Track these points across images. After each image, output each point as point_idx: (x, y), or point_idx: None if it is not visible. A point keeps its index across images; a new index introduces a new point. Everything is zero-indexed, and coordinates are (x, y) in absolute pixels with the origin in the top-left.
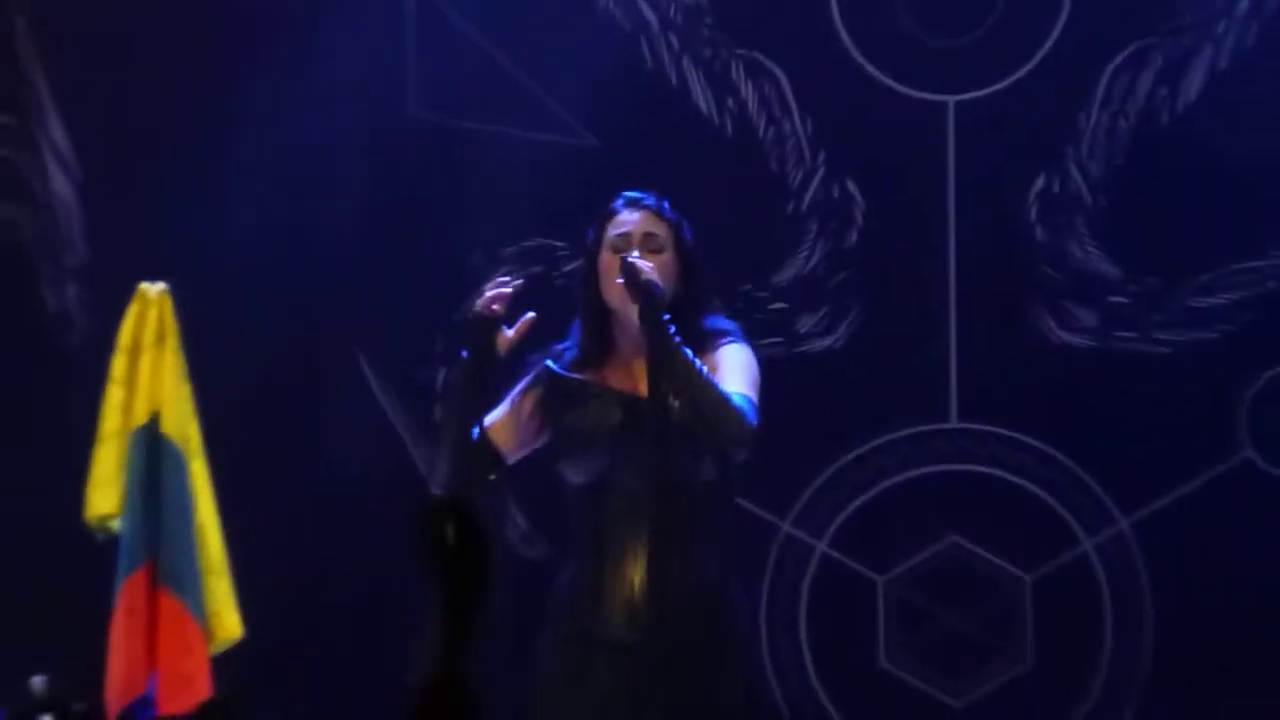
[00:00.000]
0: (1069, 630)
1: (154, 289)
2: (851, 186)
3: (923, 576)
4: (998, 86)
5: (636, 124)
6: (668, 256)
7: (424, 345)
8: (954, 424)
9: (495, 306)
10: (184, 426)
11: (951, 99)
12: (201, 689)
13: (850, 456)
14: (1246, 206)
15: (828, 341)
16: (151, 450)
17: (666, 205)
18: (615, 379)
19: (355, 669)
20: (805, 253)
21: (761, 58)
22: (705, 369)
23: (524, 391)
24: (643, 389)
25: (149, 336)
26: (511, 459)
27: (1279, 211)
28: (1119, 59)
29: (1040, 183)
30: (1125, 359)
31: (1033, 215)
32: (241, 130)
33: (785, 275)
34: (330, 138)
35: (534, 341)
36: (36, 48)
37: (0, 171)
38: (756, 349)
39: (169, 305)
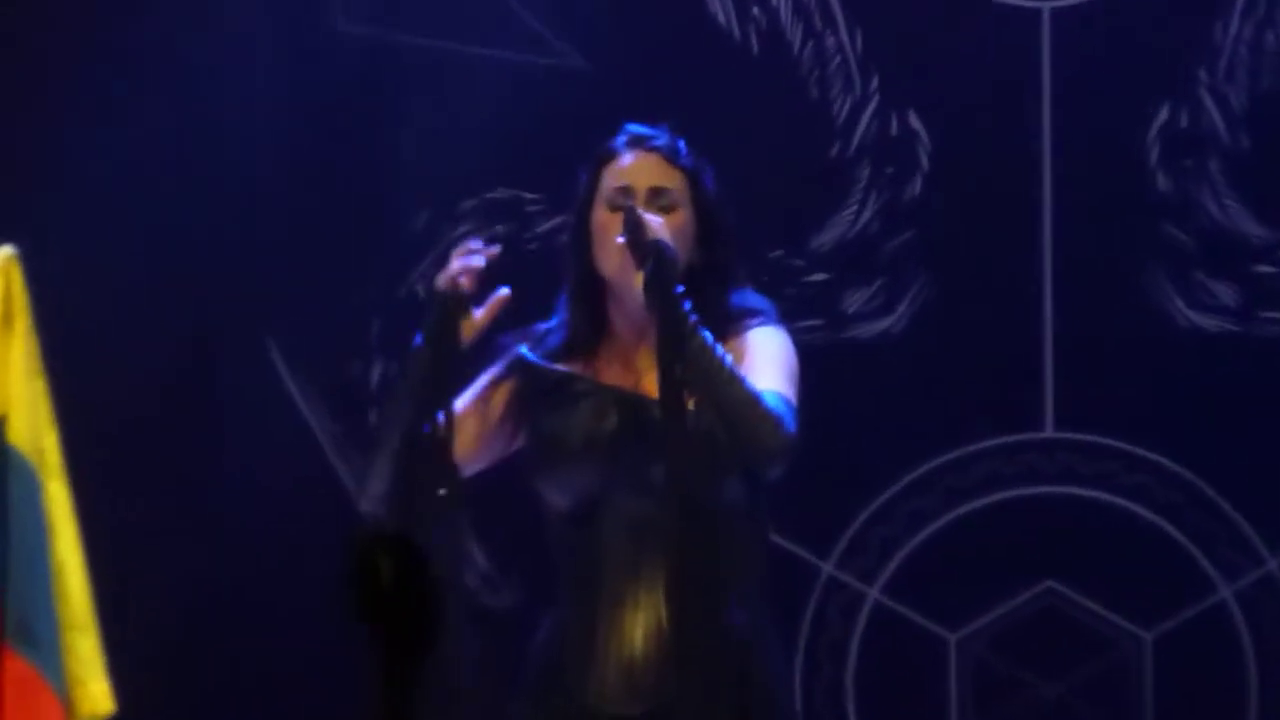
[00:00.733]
0: (1201, 701)
1: None
2: (914, 121)
3: (1009, 633)
4: None
5: (634, 39)
6: (683, 215)
7: (355, 332)
8: (1050, 433)
9: (463, 281)
10: (37, 435)
11: (1047, 5)
12: None
13: (912, 477)
14: None
15: (884, 324)
16: None
17: (683, 146)
18: (610, 372)
19: None
20: (854, 208)
21: None
22: (730, 359)
23: (492, 384)
24: (645, 385)
25: None
26: (469, 470)
27: None
28: None
29: (1163, 116)
30: (1274, 348)
31: (1153, 159)
32: (121, 57)
33: (828, 238)
34: (234, 64)
35: (504, 322)
36: None
37: None
38: (793, 334)
39: (18, 276)
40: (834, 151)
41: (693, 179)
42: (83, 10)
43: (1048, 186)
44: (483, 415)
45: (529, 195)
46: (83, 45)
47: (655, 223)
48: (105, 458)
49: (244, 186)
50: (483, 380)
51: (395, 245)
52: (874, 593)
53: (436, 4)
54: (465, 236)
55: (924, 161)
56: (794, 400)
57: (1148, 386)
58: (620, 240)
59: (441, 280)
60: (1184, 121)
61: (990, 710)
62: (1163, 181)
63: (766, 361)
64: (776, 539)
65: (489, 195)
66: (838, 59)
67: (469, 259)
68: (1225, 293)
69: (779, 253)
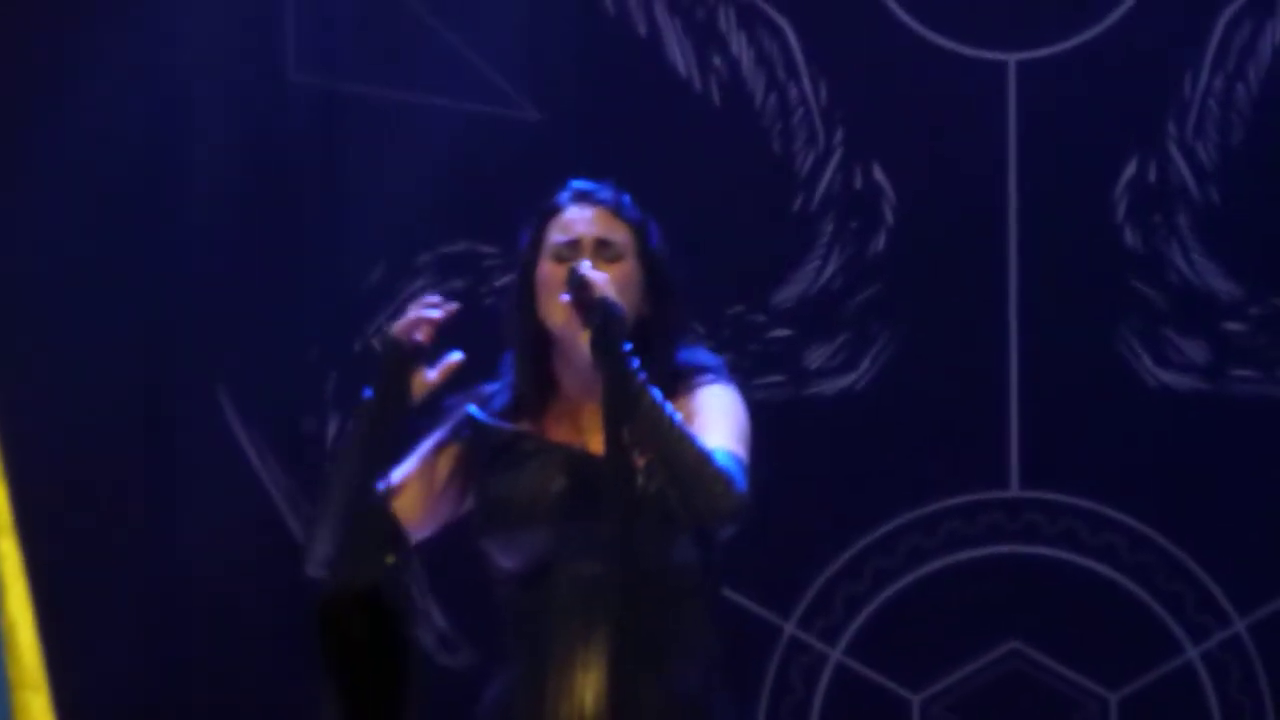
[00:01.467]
0: None
1: None
2: (879, 174)
3: (973, 695)
4: (1075, 40)
5: (591, 90)
6: (628, 267)
7: (310, 386)
8: (1015, 492)
9: (419, 335)
10: None
11: (1013, 57)
12: None
13: (875, 536)
14: None
15: (847, 381)
16: None
17: (627, 200)
18: (559, 430)
19: None
20: (817, 263)
21: (760, 2)
22: (680, 418)
23: (438, 448)
24: (594, 443)
25: None
26: (418, 535)
27: None
28: (1237, 3)
29: (1131, 170)
30: (1245, 407)
31: (1121, 213)
32: (69, 108)
33: (790, 293)
34: (186, 114)
35: (455, 382)
36: None
37: None
38: (750, 391)
39: None
40: (797, 205)
41: (638, 232)
42: (29, 59)
43: (1013, 241)
44: (429, 480)
45: (486, 249)
46: (28, 95)
47: (601, 279)
48: (56, 513)
49: (196, 237)
50: (428, 444)
51: (350, 299)
52: (836, 653)
53: (390, 54)
54: (421, 290)
55: (888, 215)
56: (745, 458)
57: (1115, 445)
58: (564, 299)
59: (396, 329)
60: (1152, 175)
61: None
62: (1130, 237)
63: (716, 419)
64: (737, 598)
65: (445, 249)
66: (801, 111)
67: (426, 311)
68: (1194, 350)
69: (740, 308)
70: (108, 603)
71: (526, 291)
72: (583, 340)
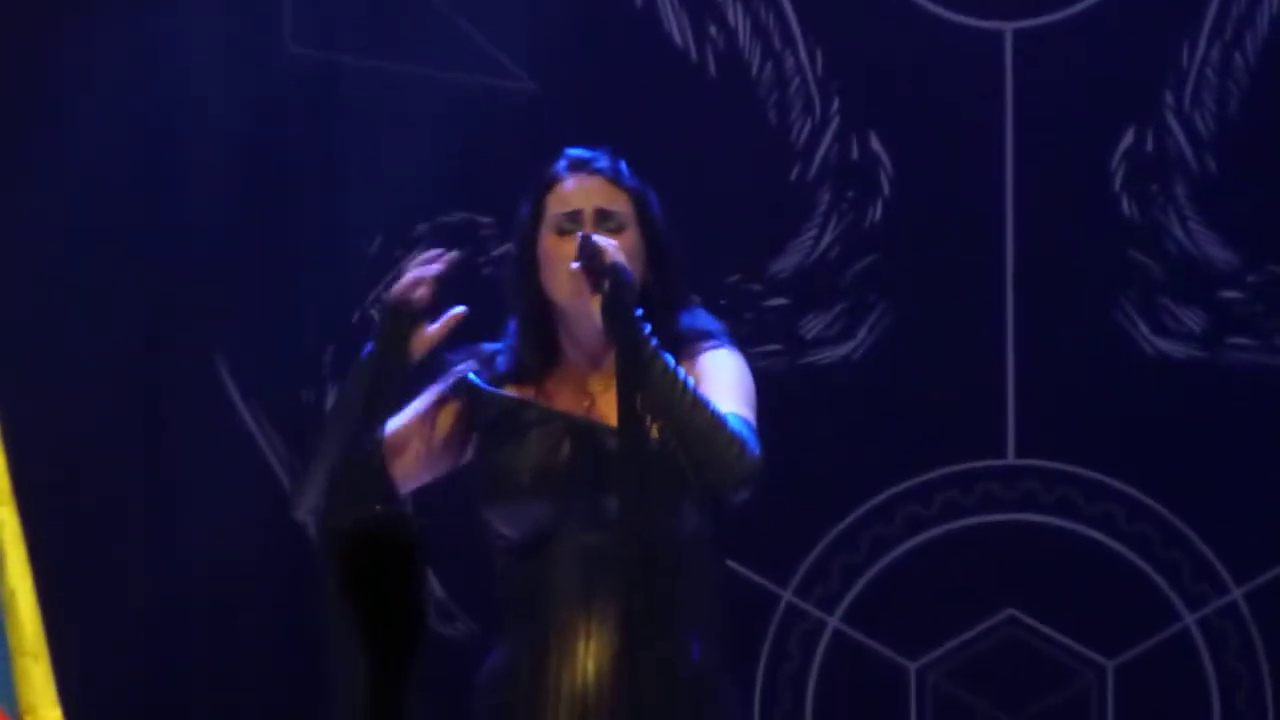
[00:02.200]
0: None
1: None
2: (876, 144)
3: (969, 662)
4: (1072, 10)
5: (588, 61)
6: (630, 236)
7: (308, 357)
8: (1012, 460)
9: (419, 292)
10: None
11: (1010, 26)
12: None
13: (872, 504)
14: None
15: (844, 350)
16: None
17: (625, 168)
18: (561, 398)
19: None
20: (814, 232)
21: None
22: (693, 383)
23: (437, 403)
24: (598, 410)
25: None
26: (409, 486)
27: None
28: None
29: (1128, 139)
30: (1241, 375)
31: (1118, 183)
32: (69, 79)
33: (787, 263)
34: (184, 86)
35: (455, 341)
36: None
37: None
38: (747, 360)
39: None
40: (794, 175)
41: (638, 200)
42: (28, 30)
43: (1010, 210)
44: (425, 434)
45: (483, 219)
46: (28, 65)
47: (610, 246)
48: (55, 482)
49: (194, 208)
50: (427, 398)
51: (348, 270)
52: (833, 621)
53: (388, 26)
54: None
55: (885, 185)
56: (754, 422)
57: (1112, 413)
58: (574, 266)
59: (394, 291)
60: (1149, 145)
61: None
62: (1128, 206)
63: (724, 384)
64: (735, 566)
65: (442, 219)
66: (797, 81)
67: (425, 268)
68: (1191, 319)
69: (737, 277)
70: (107, 573)
71: (528, 263)
72: (593, 307)
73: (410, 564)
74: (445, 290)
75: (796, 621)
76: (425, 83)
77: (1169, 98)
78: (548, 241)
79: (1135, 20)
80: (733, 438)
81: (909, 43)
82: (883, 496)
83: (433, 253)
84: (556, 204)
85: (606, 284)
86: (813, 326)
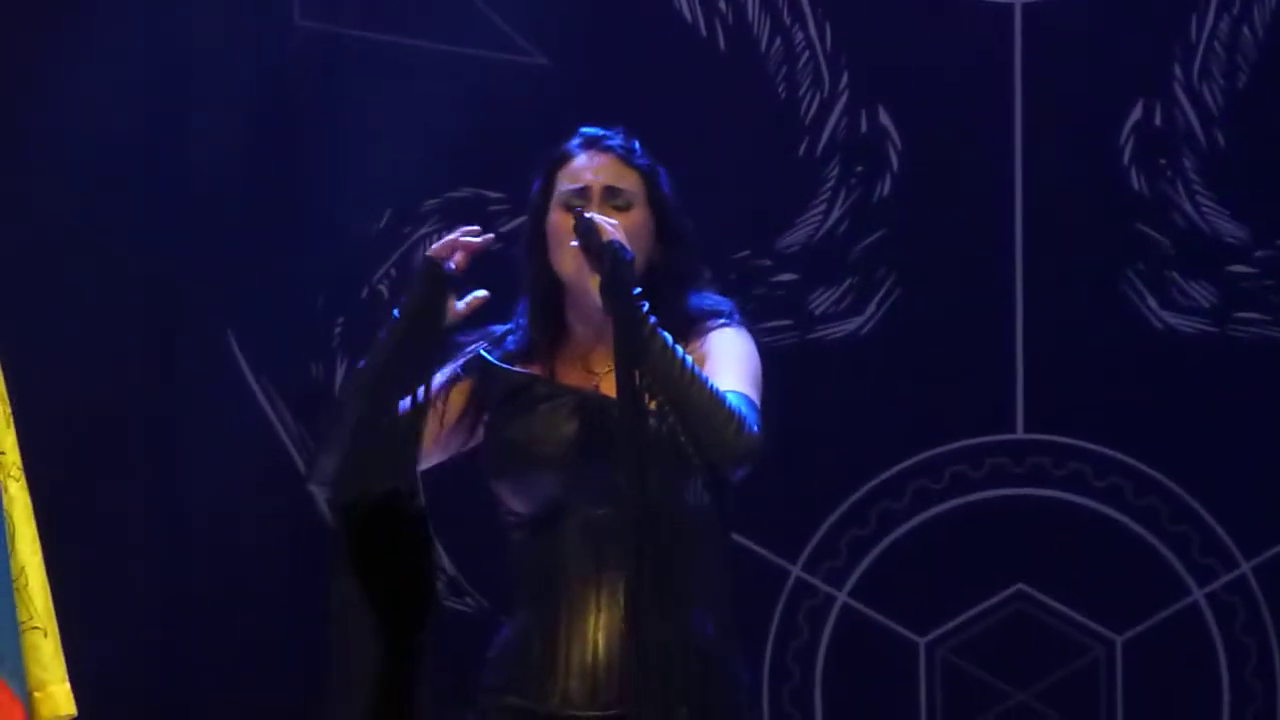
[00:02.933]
0: (1172, 705)
1: None
2: (885, 118)
3: (978, 637)
4: None
5: (598, 36)
6: (639, 214)
7: (318, 332)
8: (1021, 435)
9: (458, 257)
10: None
11: (1019, 0)
12: None
13: (881, 479)
14: None
15: (852, 325)
16: None
17: (637, 146)
18: (570, 374)
19: None
20: (822, 207)
21: None
22: (691, 361)
23: (450, 382)
24: (605, 386)
25: None
26: (421, 465)
27: None
28: None
29: (1137, 114)
30: (1250, 350)
31: (1126, 157)
32: (77, 52)
33: (796, 237)
34: (191, 59)
35: (470, 321)
36: None
37: None
38: (756, 336)
39: None
40: (802, 150)
41: (648, 178)
42: (35, 6)
43: (1019, 185)
44: (439, 412)
45: (491, 194)
46: (38, 38)
47: (609, 224)
48: (65, 457)
49: (203, 183)
50: (440, 376)
51: (357, 245)
52: (842, 596)
53: (396, 0)
54: (429, 236)
55: (894, 160)
56: (758, 401)
57: (1120, 388)
58: (573, 244)
59: (435, 249)
60: (1158, 119)
61: (960, 714)
62: (1136, 180)
63: (729, 363)
64: (744, 541)
65: (451, 194)
66: (806, 55)
67: (465, 237)
68: (1200, 293)
69: (746, 253)
70: (118, 546)
71: (537, 239)
72: (593, 286)
73: (417, 539)
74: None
75: (805, 596)
76: (434, 57)
77: (1177, 71)
78: (555, 218)
79: None
80: (731, 415)
81: (918, 17)
82: (892, 471)
83: (474, 228)
84: (566, 180)
85: (605, 263)
86: (822, 301)
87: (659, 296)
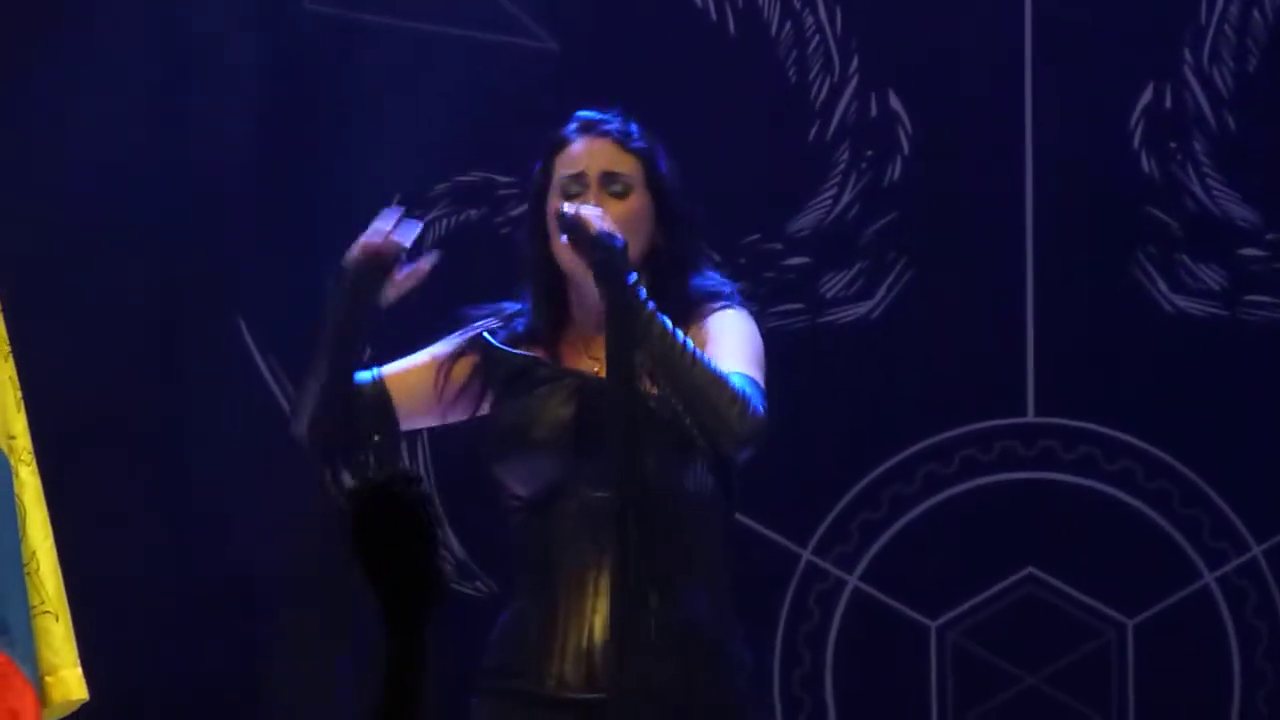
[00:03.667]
0: (1183, 689)
1: None
2: (895, 102)
3: (989, 621)
4: None
5: (608, 20)
6: (636, 200)
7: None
8: (1031, 418)
9: (380, 254)
10: (7, 420)
11: None
12: None
13: (891, 463)
14: None
15: (863, 309)
16: None
17: (634, 129)
18: (573, 357)
19: None
20: (833, 191)
21: None
22: (691, 344)
23: (454, 354)
24: (606, 370)
25: None
26: (412, 424)
27: None
28: None
29: (1147, 96)
30: (1261, 334)
31: (1136, 140)
32: (87, 36)
33: (806, 221)
34: (201, 44)
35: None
36: None
37: None
38: (766, 320)
39: None
40: (812, 134)
41: (646, 161)
42: None
43: (1029, 168)
44: (437, 380)
45: (501, 178)
46: (46, 23)
47: (594, 214)
48: (75, 441)
49: (212, 166)
50: (444, 345)
51: (366, 227)
52: (853, 579)
53: None
54: (438, 220)
55: (904, 143)
56: (761, 381)
57: (1131, 371)
58: (563, 240)
59: (354, 251)
60: (1168, 102)
61: (971, 698)
62: (1147, 163)
63: (730, 345)
64: (750, 523)
65: (460, 179)
66: (816, 39)
67: (388, 235)
68: (1211, 277)
69: (756, 237)
70: (128, 530)
71: (537, 227)
72: (588, 277)
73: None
74: (464, 249)
75: (816, 580)
76: (444, 41)
77: (1187, 55)
78: (555, 204)
79: None
80: (735, 396)
81: (928, 0)
82: (902, 455)
83: (393, 212)
84: (563, 166)
85: (596, 253)
86: (832, 285)
87: (660, 280)
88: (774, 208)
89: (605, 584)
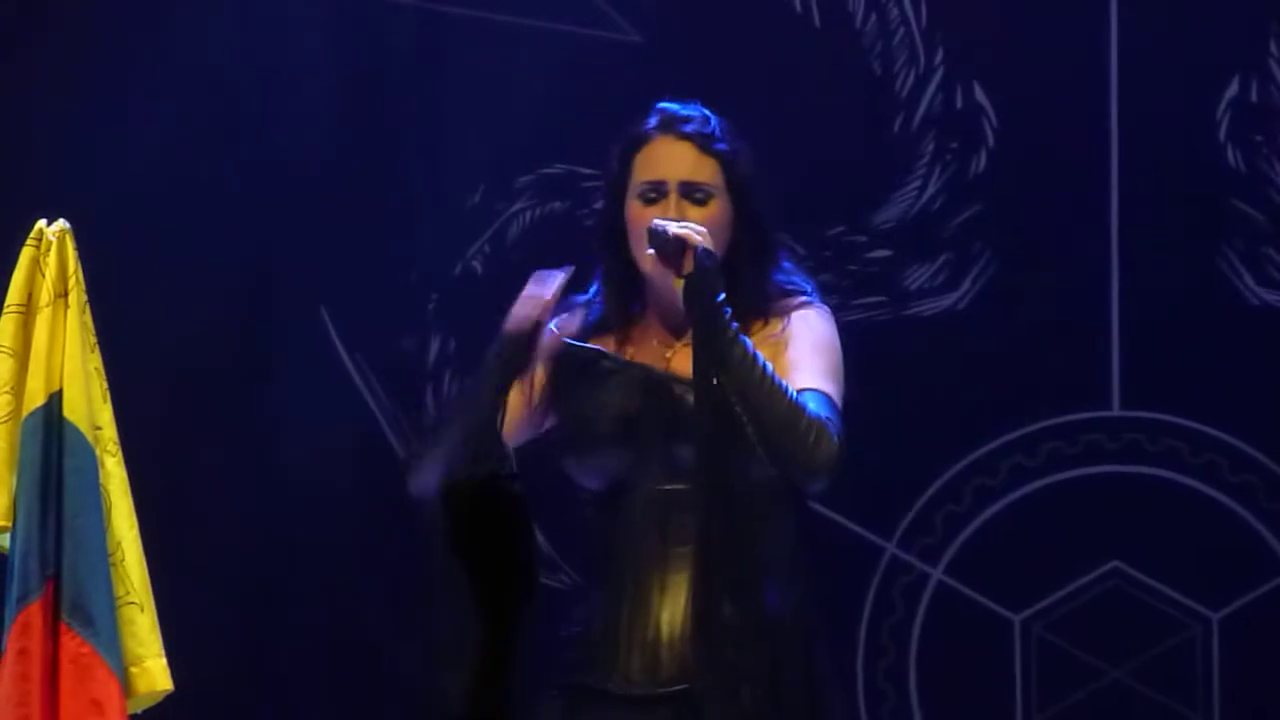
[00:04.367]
0: (1268, 682)
1: (53, 229)
2: (980, 94)
3: (1074, 614)
4: None
5: (692, 12)
6: (717, 206)
7: (411, 305)
8: (1117, 412)
9: (536, 318)
10: (94, 411)
11: None
12: None
13: (976, 455)
14: None
15: (947, 301)
16: (51, 441)
17: (716, 126)
18: (643, 350)
19: None
20: (918, 183)
21: None
22: (772, 369)
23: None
24: (675, 364)
25: (46, 291)
26: (514, 442)
27: None
28: None
29: (1234, 88)
30: None
31: (1223, 133)
32: (173, 30)
33: (891, 213)
34: (282, 31)
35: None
36: None
37: None
38: (851, 312)
39: (73, 250)
40: (897, 126)
41: (728, 165)
42: None
43: (1115, 161)
44: (526, 394)
45: (585, 170)
46: (135, 16)
47: (690, 230)
48: (161, 433)
49: (297, 159)
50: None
51: (451, 220)
52: (937, 573)
53: None
54: (521, 212)
55: (989, 135)
56: (839, 396)
57: (1216, 364)
58: (650, 252)
59: (510, 326)
60: (1254, 95)
61: (1055, 691)
62: (1232, 156)
63: (810, 354)
64: (838, 518)
65: (545, 170)
66: (901, 31)
67: (537, 298)
68: None
69: (840, 229)
70: (213, 522)
71: (615, 224)
72: (676, 287)
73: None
74: (548, 241)
75: (900, 573)
76: (528, 33)
77: (1273, 47)
78: (633, 209)
79: None
80: (811, 424)
81: None
82: (987, 448)
83: (547, 274)
84: (642, 169)
85: (692, 272)
86: (917, 278)
87: (740, 280)
88: (858, 200)
89: (672, 579)
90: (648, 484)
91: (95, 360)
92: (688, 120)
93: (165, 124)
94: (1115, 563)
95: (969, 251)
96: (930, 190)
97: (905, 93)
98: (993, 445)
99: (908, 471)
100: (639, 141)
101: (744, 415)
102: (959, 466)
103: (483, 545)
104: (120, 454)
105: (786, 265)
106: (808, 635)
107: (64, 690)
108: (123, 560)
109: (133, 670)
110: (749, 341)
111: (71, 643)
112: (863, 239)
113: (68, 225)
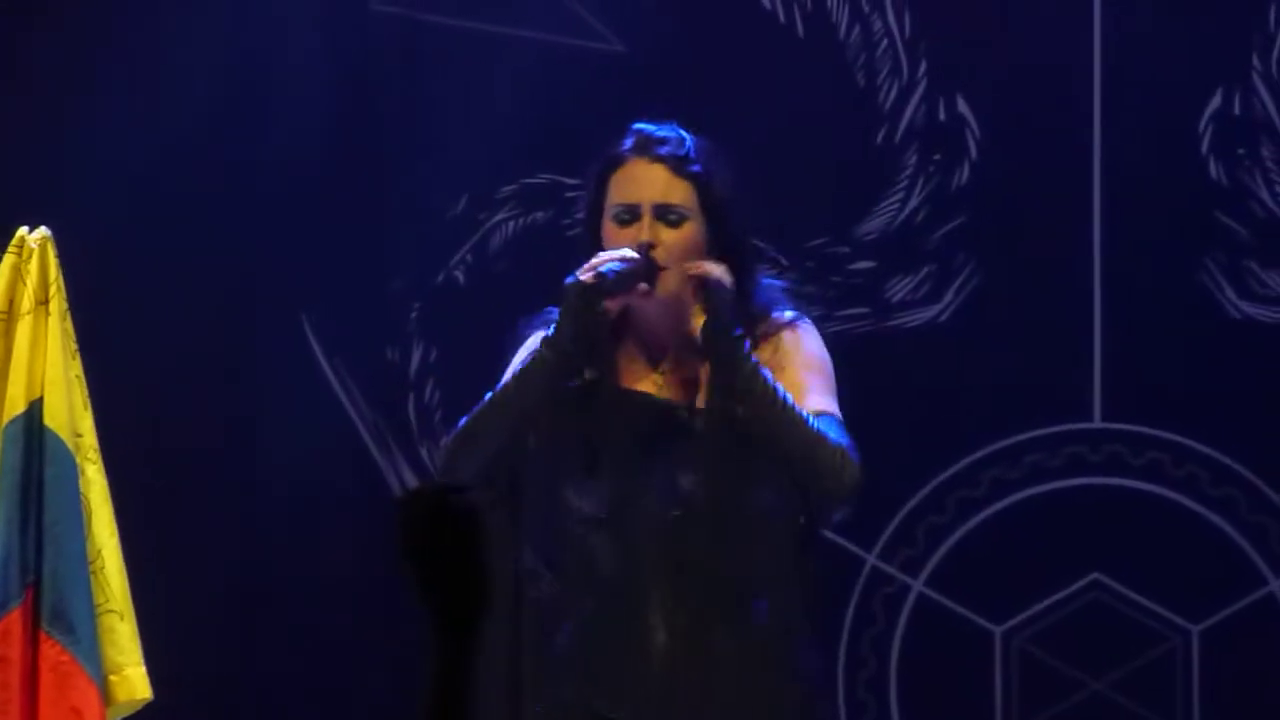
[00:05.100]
0: (1248, 695)
1: (34, 236)
2: (963, 106)
3: (1054, 626)
4: None
5: (675, 22)
6: (690, 229)
7: (393, 315)
8: (1098, 424)
9: (608, 274)
10: (74, 418)
11: None
12: None
13: (957, 467)
14: None
15: (930, 313)
16: (30, 449)
17: (691, 147)
18: (632, 375)
19: None
20: (900, 195)
21: None
22: (791, 398)
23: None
24: (668, 389)
25: (27, 299)
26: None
27: None
28: None
29: (1216, 102)
30: None
31: (1205, 146)
32: (156, 37)
33: (874, 225)
34: (267, 42)
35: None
36: None
37: None
38: (833, 324)
39: (54, 257)
40: (880, 137)
41: (701, 186)
42: None
43: (1097, 173)
44: None
45: (568, 180)
46: (117, 23)
47: (714, 271)
48: (141, 440)
49: (279, 166)
50: (516, 369)
51: (433, 230)
52: (918, 584)
53: None
54: (504, 222)
55: (972, 148)
56: (838, 411)
57: (1198, 377)
58: (643, 289)
59: (583, 273)
60: (1237, 108)
61: (1036, 704)
62: (1215, 169)
63: (809, 375)
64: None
65: (528, 181)
66: (885, 43)
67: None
68: (1278, 282)
69: (823, 240)
70: (193, 530)
71: (593, 247)
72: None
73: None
74: (531, 251)
75: (881, 585)
76: (511, 43)
77: (1256, 60)
78: (608, 230)
79: None
80: (834, 451)
81: (997, 4)
82: (968, 460)
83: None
84: (617, 192)
85: (710, 303)
86: (899, 289)
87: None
88: (841, 211)
89: (667, 600)
90: (644, 508)
91: (76, 368)
92: (662, 142)
93: (146, 133)
94: (1096, 575)
95: (952, 263)
96: (913, 202)
97: (889, 104)
98: (974, 457)
99: (889, 483)
100: (614, 163)
101: (768, 444)
102: (940, 478)
103: (434, 555)
104: (101, 461)
105: (765, 281)
106: (798, 648)
107: (43, 698)
108: (103, 568)
109: (112, 678)
110: (769, 373)
111: (51, 650)
112: (846, 250)
113: (49, 233)
